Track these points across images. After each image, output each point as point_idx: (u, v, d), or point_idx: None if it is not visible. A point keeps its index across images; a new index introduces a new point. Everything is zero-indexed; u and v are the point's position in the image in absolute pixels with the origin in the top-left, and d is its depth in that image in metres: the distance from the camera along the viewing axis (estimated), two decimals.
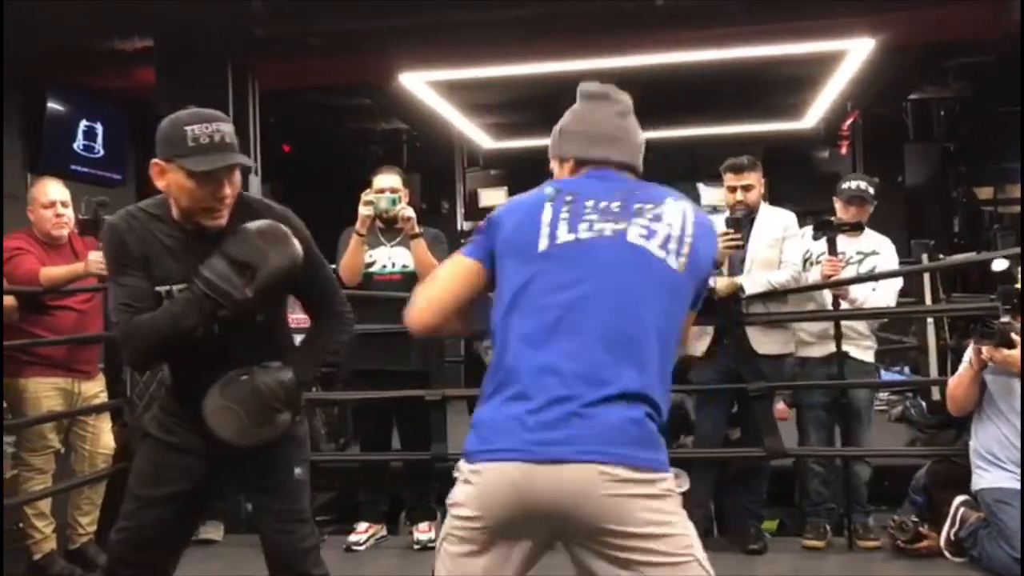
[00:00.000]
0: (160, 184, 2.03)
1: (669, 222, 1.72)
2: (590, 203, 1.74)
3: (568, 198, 1.75)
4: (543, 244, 1.70)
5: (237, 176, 2.03)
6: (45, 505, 3.75)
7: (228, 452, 2.11)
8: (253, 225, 2.00)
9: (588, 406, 1.59)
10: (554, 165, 1.92)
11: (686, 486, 1.69)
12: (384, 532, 4.11)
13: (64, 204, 3.84)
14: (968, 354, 3.46)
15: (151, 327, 1.99)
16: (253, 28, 5.34)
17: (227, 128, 2.00)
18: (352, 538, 3.97)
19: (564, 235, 1.70)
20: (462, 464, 1.69)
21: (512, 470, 1.59)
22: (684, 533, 1.61)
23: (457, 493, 1.68)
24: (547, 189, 1.79)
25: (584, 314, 1.64)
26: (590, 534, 1.59)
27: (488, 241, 1.78)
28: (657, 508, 1.58)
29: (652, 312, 1.67)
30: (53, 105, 5.79)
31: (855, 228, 3.95)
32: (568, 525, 1.60)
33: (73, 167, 5.84)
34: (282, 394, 2.07)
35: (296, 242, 2.02)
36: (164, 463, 2.19)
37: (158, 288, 2.04)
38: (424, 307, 1.80)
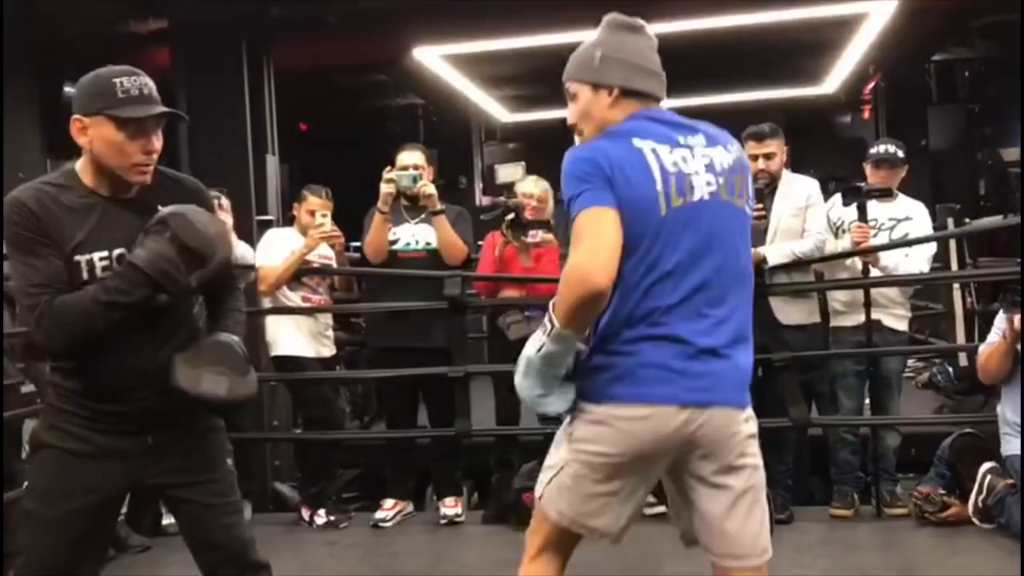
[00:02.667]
0: (82, 141, 1.92)
1: (733, 167, 1.84)
2: (679, 157, 1.78)
3: (665, 153, 1.77)
4: (662, 208, 1.75)
5: (160, 135, 1.95)
6: None
7: (153, 450, 2.00)
8: (199, 214, 1.91)
9: (725, 354, 1.78)
10: (582, 89, 1.86)
11: None
12: (411, 508, 4.13)
13: None
14: (999, 323, 3.39)
15: (81, 306, 1.84)
16: (268, 7, 5.33)
17: (152, 84, 1.95)
18: (379, 515, 3.99)
19: (676, 198, 1.76)
20: (594, 407, 1.77)
21: (662, 413, 1.73)
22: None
23: (590, 433, 1.77)
24: (636, 143, 1.76)
25: (707, 269, 1.77)
26: (708, 463, 1.82)
27: (611, 193, 1.72)
28: (753, 441, 1.90)
29: (747, 262, 1.88)
30: (70, 90, 5.79)
31: (884, 194, 3.87)
32: (694, 459, 1.81)
33: None
34: (244, 347, 2.02)
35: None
36: (74, 474, 1.95)
37: (78, 257, 1.89)
38: (604, 264, 1.68)
